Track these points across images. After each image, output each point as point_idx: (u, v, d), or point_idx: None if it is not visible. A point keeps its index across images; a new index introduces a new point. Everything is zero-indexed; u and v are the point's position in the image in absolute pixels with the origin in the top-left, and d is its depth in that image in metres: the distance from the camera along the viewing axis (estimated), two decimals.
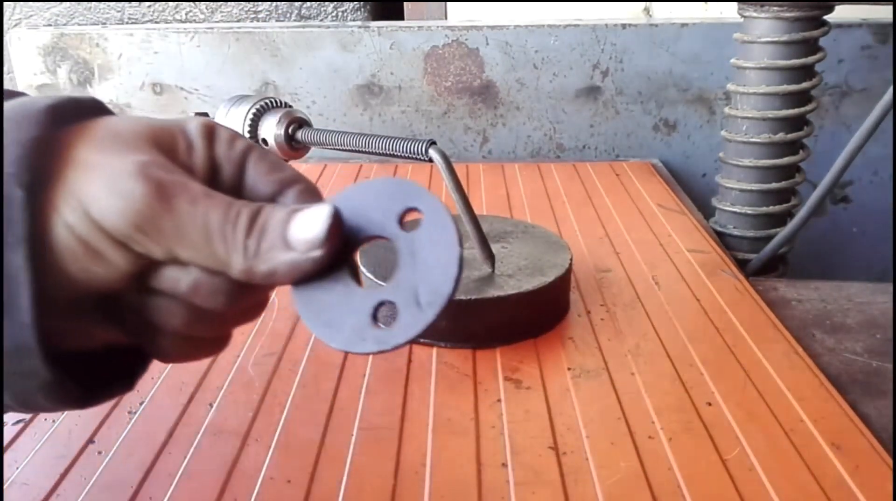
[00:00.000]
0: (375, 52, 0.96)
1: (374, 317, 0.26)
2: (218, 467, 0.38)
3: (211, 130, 0.28)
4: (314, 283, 0.26)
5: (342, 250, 0.26)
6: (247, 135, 0.66)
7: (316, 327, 0.26)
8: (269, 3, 1.11)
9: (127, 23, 1.11)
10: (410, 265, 0.26)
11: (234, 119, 0.66)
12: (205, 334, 0.28)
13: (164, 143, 0.26)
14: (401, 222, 0.27)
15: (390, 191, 0.27)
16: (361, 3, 1.11)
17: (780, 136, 0.72)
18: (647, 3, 1.06)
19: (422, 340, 0.50)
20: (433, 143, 0.55)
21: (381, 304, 0.26)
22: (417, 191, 0.27)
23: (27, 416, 0.42)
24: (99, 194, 0.24)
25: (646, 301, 0.56)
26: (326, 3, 1.11)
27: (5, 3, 1.10)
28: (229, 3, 1.11)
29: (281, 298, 0.56)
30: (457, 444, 0.40)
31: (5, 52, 1.04)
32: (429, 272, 0.25)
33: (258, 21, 1.12)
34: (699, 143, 0.99)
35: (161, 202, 0.24)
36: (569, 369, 0.47)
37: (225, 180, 0.27)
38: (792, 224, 0.69)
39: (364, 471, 0.38)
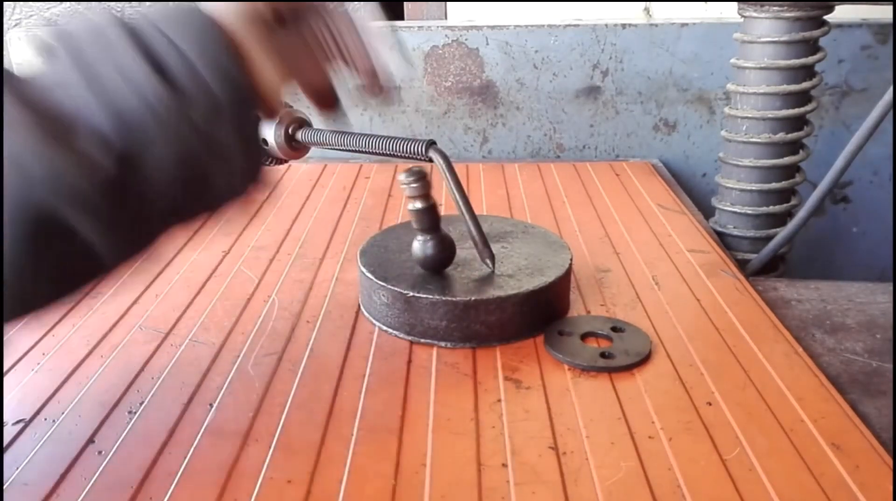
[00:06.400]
0: None
1: None
2: (218, 467, 0.38)
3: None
4: None
5: None
6: None
7: None
8: None
9: None
10: None
11: None
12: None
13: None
14: None
15: None
16: (361, 3, 1.11)
17: (780, 136, 0.72)
18: (647, 3, 1.06)
19: (422, 340, 0.50)
20: (433, 143, 0.55)
21: None
22: None
23: (27, 416, 0.42)
24: None
25: (646, 301, 0.56)
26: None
27: (5, 3, 1.10)
28: None
29: (281, 298, 0.56)
30: (457, 444, 0.40)
31: (5, 52, 1.04)
32: None
33: None
34: (699, 143, 0.99)
35: None
36: (569, 369, 0.47)
37: None
38: (792, 224, 0.69)
39: (364, 471, 0.38)
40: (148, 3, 0.39)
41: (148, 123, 0.34)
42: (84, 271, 0.36)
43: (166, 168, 0.35)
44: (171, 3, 0.38)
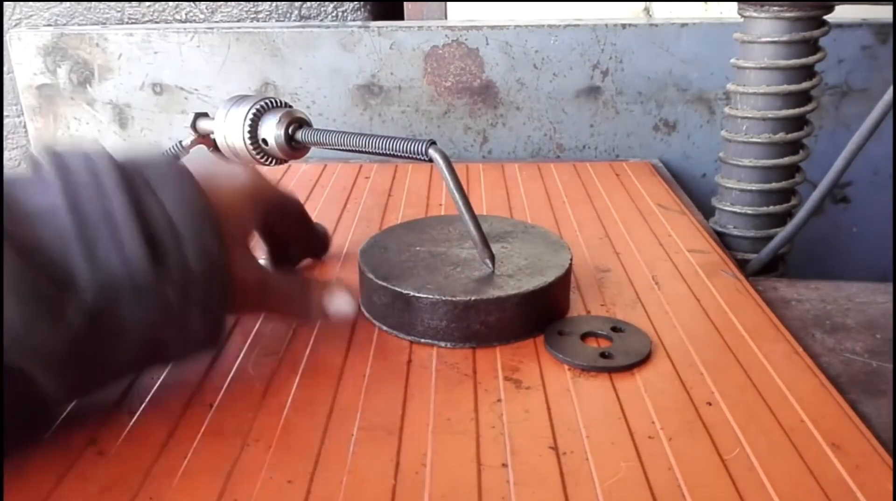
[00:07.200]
0: (375, 52, 0.96)
1: None
2: (218, 467, 0.38)
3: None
4: None
5: None
6: (247, 135, 0.66)
7: None
8: (269, 3, 1.11)
9: (127, 23, 1.11)
10: None
11: (234, 120, 0.66)
12: None
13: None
14: None
15: None
16: (361, 3, 1.11)
17: (780, 136, 0.72)
18: (647, 3, 1.06)
19: (422, 340, 0.50)
20: (433, 143, 0.55)
21: None
22: None
23: None
24: None
25: (646, 301, 0.56)
26: (326, 3, 1.11)
27: (5, 3, 1.10)
28: (229, 3, 1.11)
29: None
30: (457, 444, 0.40)
31: (5, 52, 1.04)
32: None
33: (258, 21, 1.12)
34: (699, 143, 0.99)
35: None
36: (569, 369, 0.47)
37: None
38: (792, 224, 0.69)
39: (364, 471, 0.38)
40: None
41: (125, 289, 0.35)
42: (32, 410, 0.37)
43: (128, 331, 0.37)
44: (182, 189, 0.39)
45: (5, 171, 0.38)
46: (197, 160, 0.46)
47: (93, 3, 1.10)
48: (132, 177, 0.38)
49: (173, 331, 0.39)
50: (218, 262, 0.39)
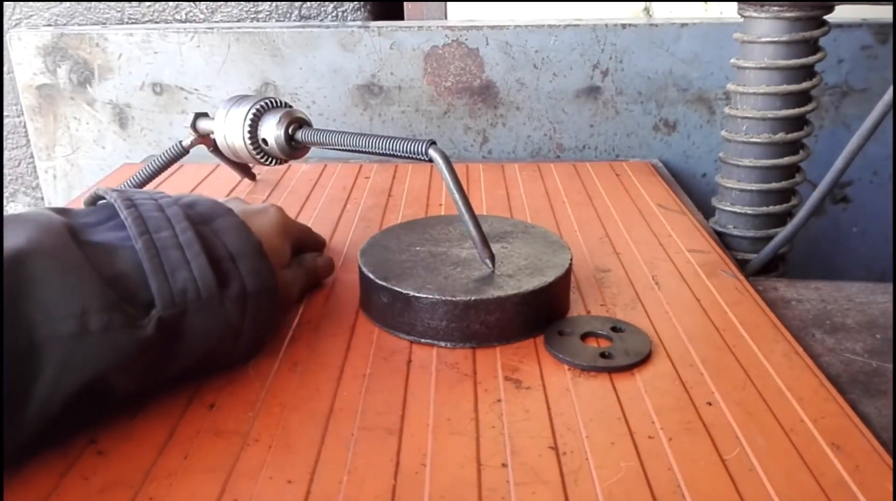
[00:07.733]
0: (375, 52, 0.96)
1: None
2: (218, 467, 0.38)
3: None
4: None
5: None
6: (247, 135, 0.66)
7: None
8: (269, 3, 1.11)
9: (127, 23, 1.11)
10: None
11: (234, 119, 0.67)
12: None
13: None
14: None
15: None
16: (361, 3, 1.11)
17: (780, 136, 0.72)
18: (647, 3, 1.06)
19: (422, 340, 0.50)
20: (433, 143, 0.55)
21: None
22: None
23: None
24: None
25: (646, 301, 0.56)
26: (326, 3, 1.11)
27: (5, 3, 1.10)
28: (229, 3, 1.11)
29: None
30: (457, 444, 0.40)
31: (5, 52, 1.05)
32: None
33: (258, 21, 1.12)
34: (699, 143, 0.99)
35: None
36: (569, 369, 0.47)
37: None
38: (792, 224, 0.69)
39: (364, 471, 0.38)
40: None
41: (192, 303, 0.41)
42: (97, 407, 0.41)
43: (191, 340, 0.41)
44: (230, 220, 0.45)
45: (71, 208, 0.44)
46: (231, 205, 0.51)
47: (93, 3, 1.10)
48: (188, 211, 0.44)
49: (229, 343, 0.44)
50: (268, 282, 0.45)
